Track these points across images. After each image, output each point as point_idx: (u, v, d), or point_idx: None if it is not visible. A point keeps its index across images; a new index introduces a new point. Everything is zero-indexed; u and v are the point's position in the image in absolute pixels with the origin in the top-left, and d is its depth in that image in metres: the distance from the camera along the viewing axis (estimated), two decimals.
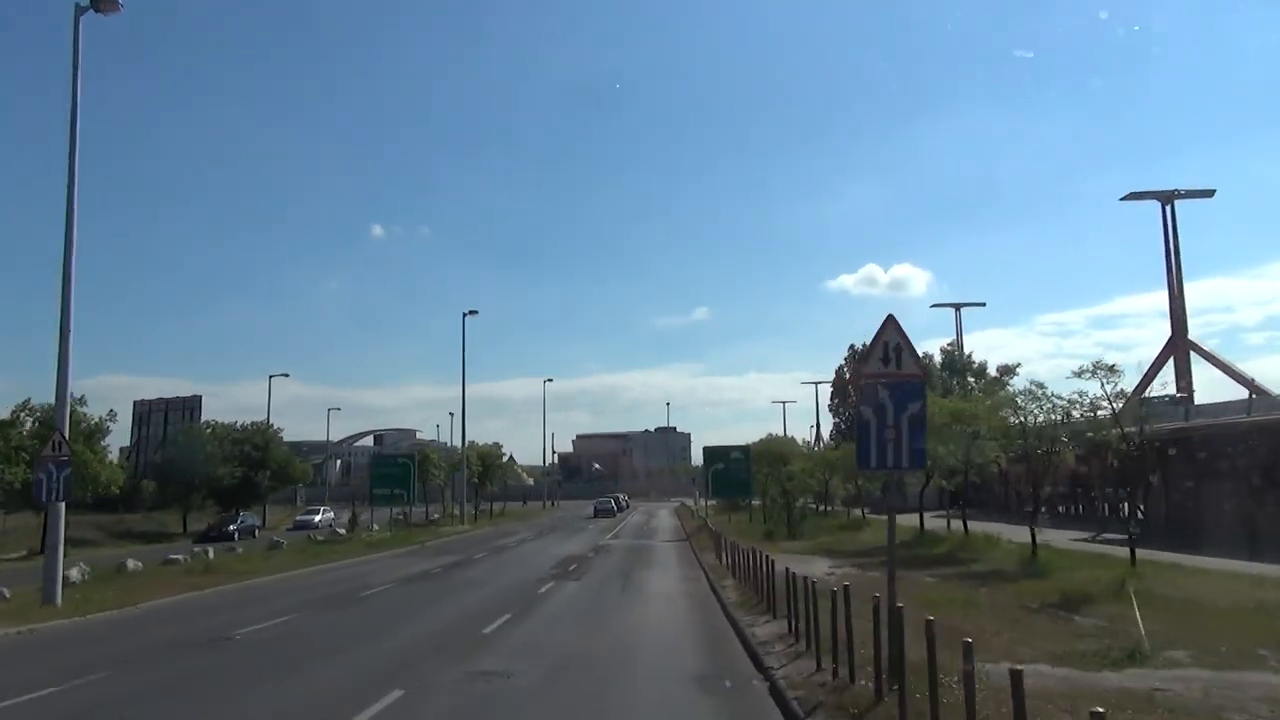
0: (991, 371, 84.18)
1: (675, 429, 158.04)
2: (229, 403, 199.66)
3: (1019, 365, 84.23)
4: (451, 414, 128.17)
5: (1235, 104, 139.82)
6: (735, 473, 49.98)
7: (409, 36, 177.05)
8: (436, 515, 73.36)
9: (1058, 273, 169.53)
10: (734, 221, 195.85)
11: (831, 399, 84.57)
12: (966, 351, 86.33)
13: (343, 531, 50.86)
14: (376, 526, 55.47)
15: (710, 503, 54.25)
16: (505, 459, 72.03)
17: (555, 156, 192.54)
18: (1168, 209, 72.53)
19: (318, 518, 64.21)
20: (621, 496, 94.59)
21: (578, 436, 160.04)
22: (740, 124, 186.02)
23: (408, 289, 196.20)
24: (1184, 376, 63.50)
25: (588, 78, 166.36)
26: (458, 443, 71.02)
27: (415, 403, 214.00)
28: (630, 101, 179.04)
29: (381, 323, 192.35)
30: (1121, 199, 69.77)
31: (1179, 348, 65.80)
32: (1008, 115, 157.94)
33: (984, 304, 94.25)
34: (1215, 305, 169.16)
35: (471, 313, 60.66)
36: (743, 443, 53.89)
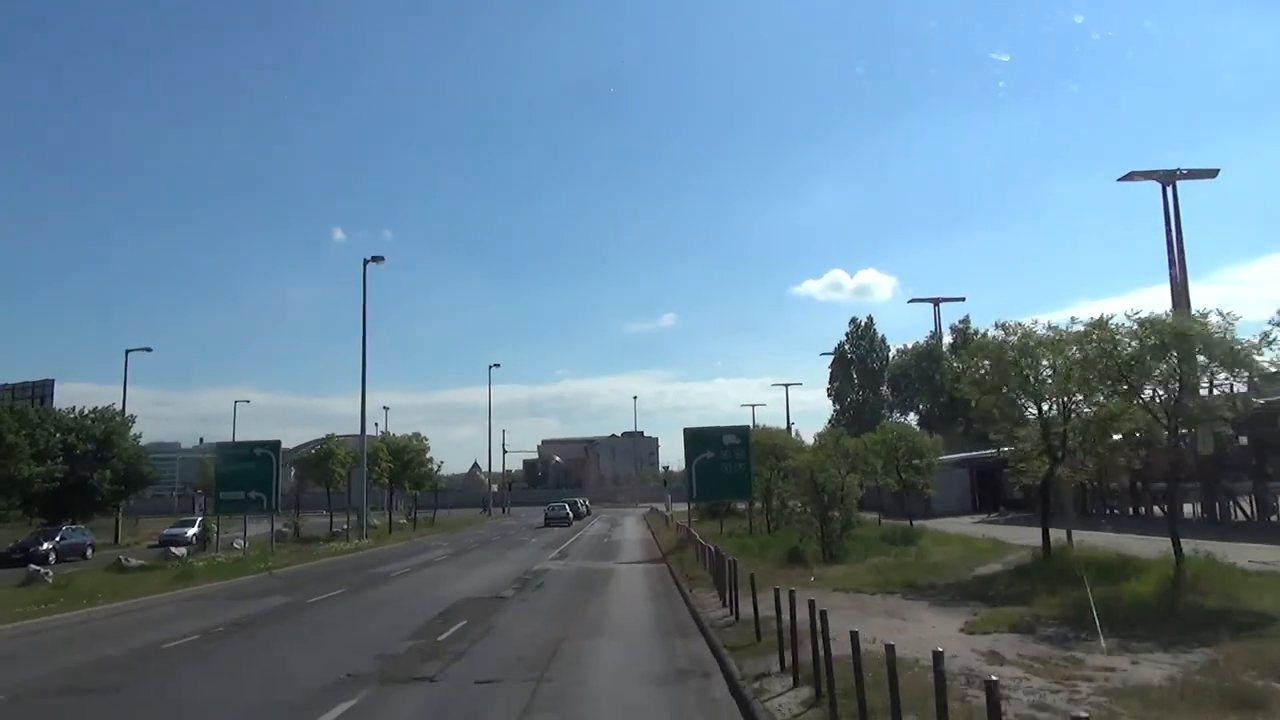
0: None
1: (643, 433, 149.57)
2: (188, 411, 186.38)
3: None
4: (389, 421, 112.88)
5: (1211, 108, 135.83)
6: (728, 465, 35.40)
7: (377, 41, 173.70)
8: (345, 526, 58.72)
9: (1029, 277, 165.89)
10: (700, 227, 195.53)
11: (831, 382, 70.43)
12: (983, 329, 72.13)
13: (179, 552, 35.42)
14: (240, 543, 40.19)
15: (692, 506, 39.51)
16: (428, 456, 56.15)
17: (521, 162, 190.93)
18: (1169, 190, 68.55)
19: (191, 530, 48.44)
20: (581, 501, 79.61)
21: (543, 441, 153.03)
22: (706, 132, 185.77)
23: (374, 295, 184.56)
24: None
25: (557, 84, 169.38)
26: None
27: (381, 410, 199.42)
28: (598, 110, 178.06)
29: (347, 330, 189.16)
30: (1119, 179, 62.96)
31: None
32: (974, 120, 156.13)
33: (963, 298, 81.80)
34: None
35: (376, 259, 45.37)
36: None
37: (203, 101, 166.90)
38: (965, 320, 70.05)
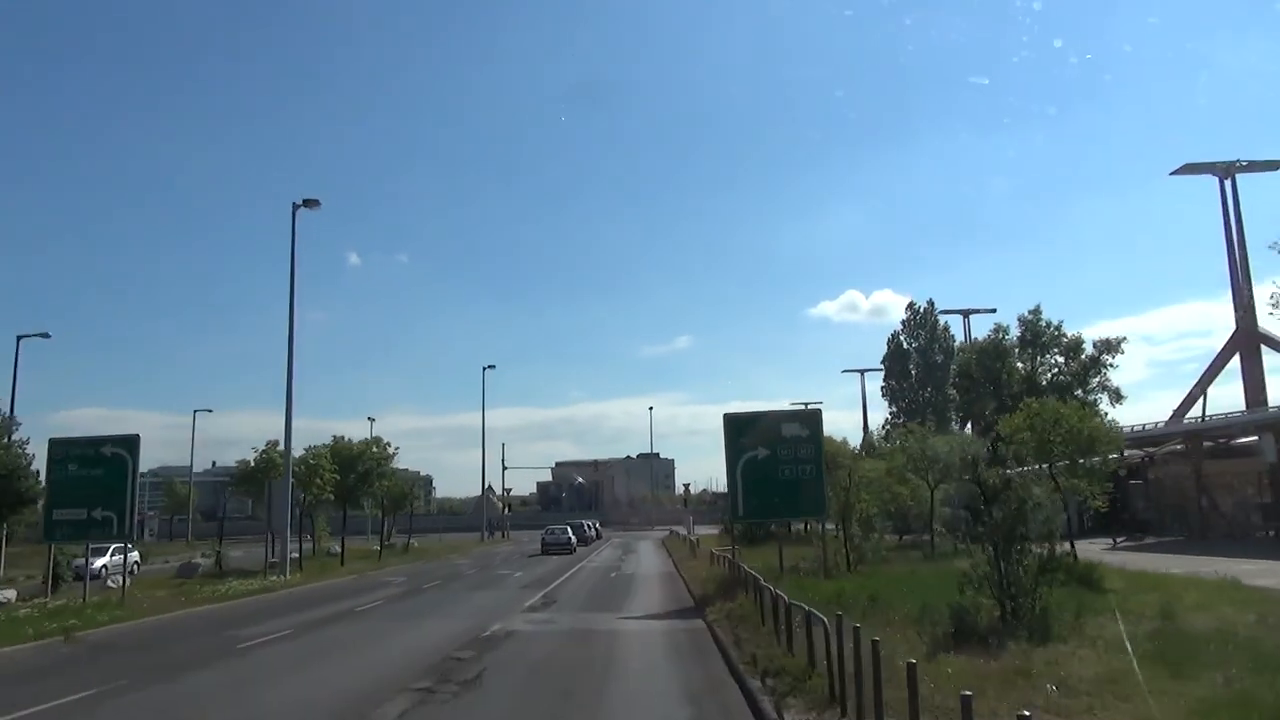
0: (1089, 349, 59.30)
1: (659, 455, 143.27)
2: (205, 435, 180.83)
3: (1123, 340, 59.16)
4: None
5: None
6: (789, 467, 23.74)
7: (387, 61, 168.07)
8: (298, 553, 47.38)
9: (1046, 296, 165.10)
10: (715, 249, 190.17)
11: (886, 379, 58.38)
12: (1054, 320, 59.85)
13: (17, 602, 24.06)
14: (115, 583, 28.89)
15: (727, 527, 27.91)
16: (392, 465, 43.93)
17: (534, 184, 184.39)
18: (1227, 184, 62.34)
19: (101, 561, 37.22)
20: (589, 524, 67.78)
21: (556, 464, 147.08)
22: (720, 153, 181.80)
23: (389, 318, 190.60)
24: (1253, 376, 56.30)
25: (572, 105, 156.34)
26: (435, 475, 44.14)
27: (398, 433, 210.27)
28: (612, 131, 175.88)
29: (363, 354, 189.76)
30: (1173, 173, 57.15)
31: (1247, 342, 57.09)
32: (990, 140, 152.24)
33: (994, 309, 71.01)
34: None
35: (309, 202, 34.02)
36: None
37: (209, 121, 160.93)
38: (1036, 311, 58.04)
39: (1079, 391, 57.05)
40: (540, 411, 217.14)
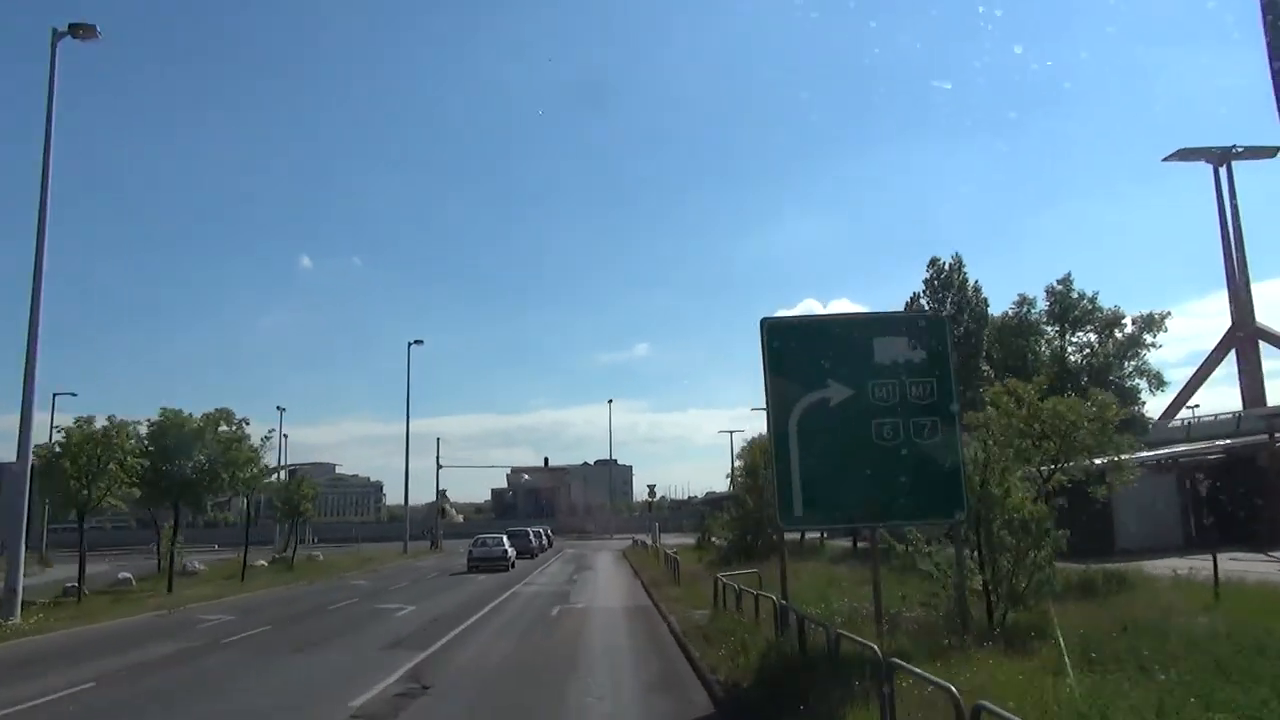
0: (1128, 326, 48.92)
1: (617, 461, 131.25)
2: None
3: (1167, 316, 48.95)
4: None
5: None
6: (896, 426, 11.86)
7: (343, 63, 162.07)
8: (200, 565, 38.79)
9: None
10: (672, 256, 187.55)
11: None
12: (1087, 291, 48.75)
13: None
14: None
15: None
16: (259, 451, 30.29)
17: (492, 190, 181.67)
18: (1221, 171, 60.37)
19: None
20: (537, 531, 54.70)
21: (512, 470, 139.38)
22: (678, 161, 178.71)
23: (343, 323, 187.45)
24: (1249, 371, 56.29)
25: (530, 111, 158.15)
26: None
27: (356, 439, 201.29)
28: (571, 137, 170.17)
29: (318, 358, 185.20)
30: (1165, 159, 56.03)
31: (1243, 337, 56.64)
32: (951, 146, 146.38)
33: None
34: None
35: (78, 29, 21.20)
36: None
37: (163, 121, 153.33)
38: (1066, 280, 47.10)
39: (1113, 376, 46.73)
40: (500, 419, 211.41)
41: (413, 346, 51.15)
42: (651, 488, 52.98)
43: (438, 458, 61.41)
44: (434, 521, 61.07)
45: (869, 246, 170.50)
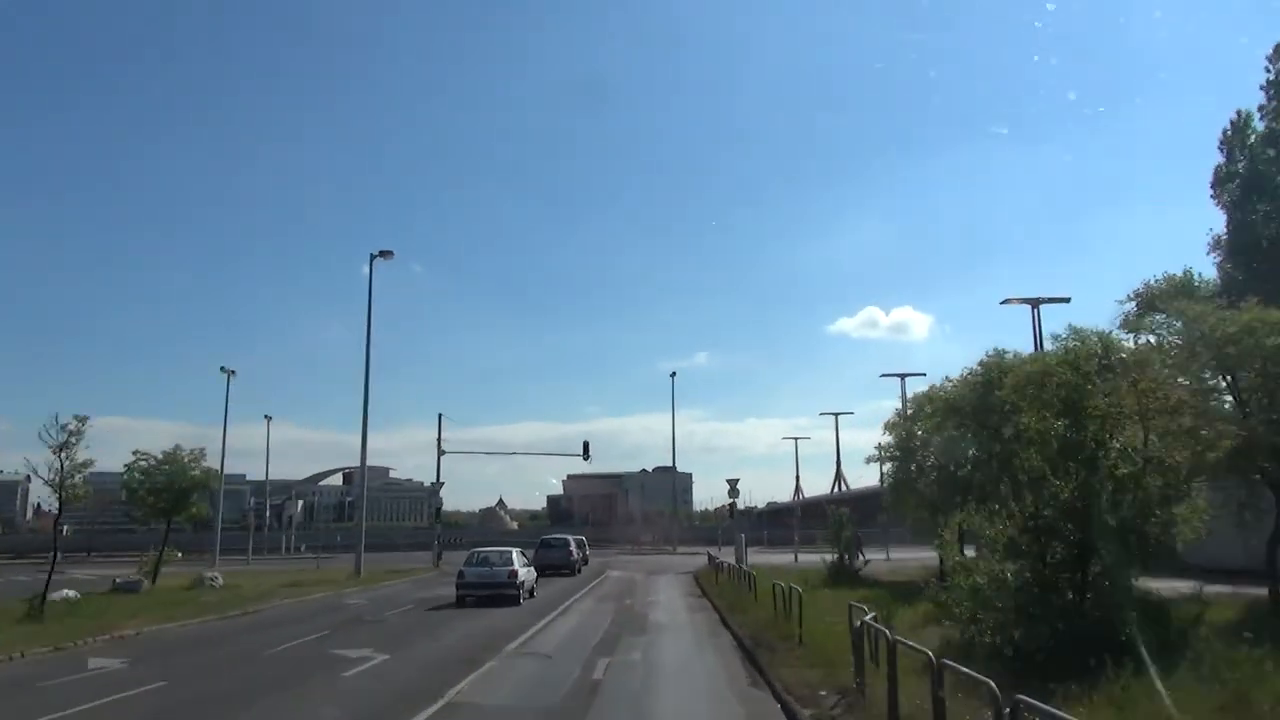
0: None
1: (677, 469, 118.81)
2: (214, 448, 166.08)
3: None
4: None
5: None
6: None
7: (410, 74, 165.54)
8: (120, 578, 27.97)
9: (1080, 312, 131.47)
10: (733, 265, 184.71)
11: (1221, 190, 31.51)
12: None
13: None
14: None
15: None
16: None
17: (554, 197, 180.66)
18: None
19: None
20: (571, 541, 40.53)
21: (568, 476, 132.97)
22: (739, 168, 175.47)
23: (406, 330, 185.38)
24: None
25: (592, 122, 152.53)
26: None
27: (414, 446, 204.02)
28: (635, 147, 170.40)
29: (382, 366, 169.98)
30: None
31: None
32: (1012, 153, 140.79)
33: (1068, 299, 46.54)
34: None
35: None
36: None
37: (227, 134, 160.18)
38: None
39: None
40: (556, 426, 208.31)
41: (377, 260, 37.41)
42: (733, 483, 38.44)
43: (439, 440, 46.40)
44: (437, 532, 46.00)
45: (932, 253, 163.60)
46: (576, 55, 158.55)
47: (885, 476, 25.73)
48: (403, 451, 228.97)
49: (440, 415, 49.05)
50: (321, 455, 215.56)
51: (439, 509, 47.73)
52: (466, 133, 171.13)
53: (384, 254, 38.52)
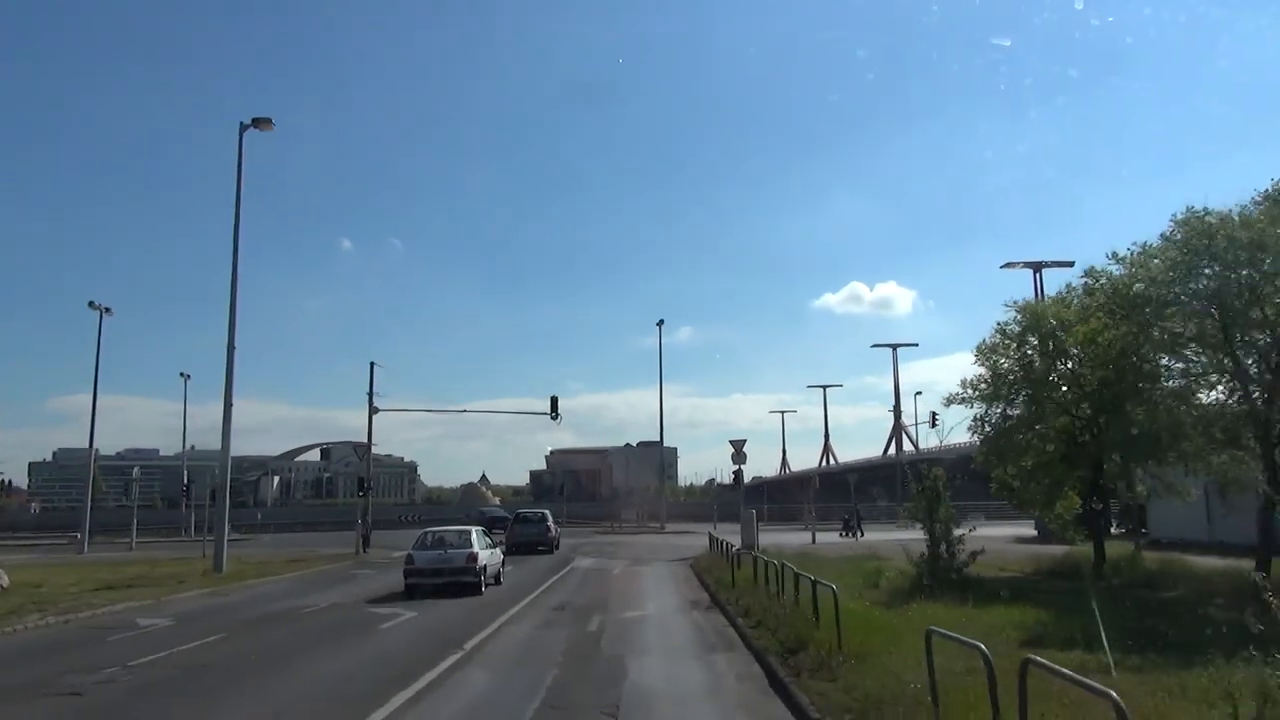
0: None
1: (662, 443, 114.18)
2: (206, 423, 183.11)
3: None
4: None
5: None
6: None
7: (385, 49, 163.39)
8: None
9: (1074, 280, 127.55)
10: (716, 239, 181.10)
11: None
12: None
13: None
14: None
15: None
16: None
17: (534, 173, 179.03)
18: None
19: None
20: (549, 515, 36.78)
21: (551, 451, 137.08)
22: (722, 142, 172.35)
23: (383, 306, 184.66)
24: None
25: (571, 94, 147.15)
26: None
27: (400, 422, 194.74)
28: (613, 121, 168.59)
29: (357, 341, 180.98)
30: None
31: None
32: (995, 127, 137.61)
33: (1071, 263, 44.05)
34: None
35: None
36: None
37: (202, 106, 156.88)
38: None
39: None
40: (539, 402, 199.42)
41: (247, 131, 26.26)
42: (739, 445, 30.24)
43: (370, 395, 37.96)
44: (364, 506, 36.58)
45: (917, 228, 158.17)
46: (559, 37, 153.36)
47: (976, 424, 18.05)
48: (392, 427, 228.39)
49: (372, 364, 41.15)
50: (304, 432, 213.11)
51: (363, 480, 39.27)
52: (446, 110, 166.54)
53: (258, 122, 27.73)
